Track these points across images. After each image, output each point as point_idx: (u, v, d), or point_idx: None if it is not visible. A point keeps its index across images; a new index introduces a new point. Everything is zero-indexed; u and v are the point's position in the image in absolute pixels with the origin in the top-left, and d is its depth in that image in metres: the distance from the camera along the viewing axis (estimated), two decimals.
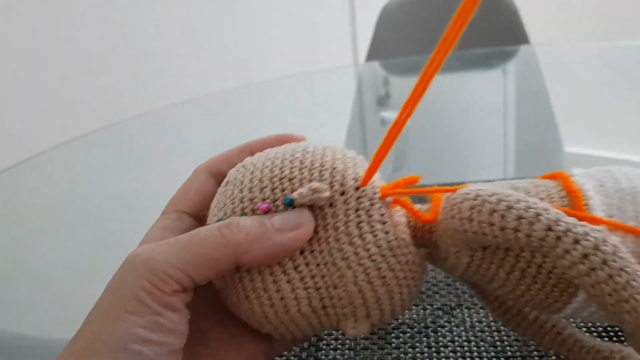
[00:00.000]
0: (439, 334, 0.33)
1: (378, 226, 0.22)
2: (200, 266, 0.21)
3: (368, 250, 0.22)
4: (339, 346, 0.33)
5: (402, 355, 0.31)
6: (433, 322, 0.34)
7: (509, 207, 0.21)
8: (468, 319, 0.34)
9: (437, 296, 0.36)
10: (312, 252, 0.22)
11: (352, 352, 0.32)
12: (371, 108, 0.94)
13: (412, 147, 0.74)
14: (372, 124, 0.86)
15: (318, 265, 0.22)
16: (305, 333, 0.24)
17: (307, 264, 0.22)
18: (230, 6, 1.90)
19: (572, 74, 1.02)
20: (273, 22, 2.05)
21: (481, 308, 0.35)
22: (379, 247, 0.22)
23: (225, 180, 0.25)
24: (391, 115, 0.83)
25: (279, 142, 0.27)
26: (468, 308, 0.35)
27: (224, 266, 0.22)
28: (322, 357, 0.32)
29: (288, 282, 0.22)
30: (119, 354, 0.19)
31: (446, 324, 0.34)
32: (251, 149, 0.28)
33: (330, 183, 0.23)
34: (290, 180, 0.23)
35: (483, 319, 0.34)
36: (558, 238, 0.20)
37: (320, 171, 0.23)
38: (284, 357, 0.32)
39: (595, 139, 0.77)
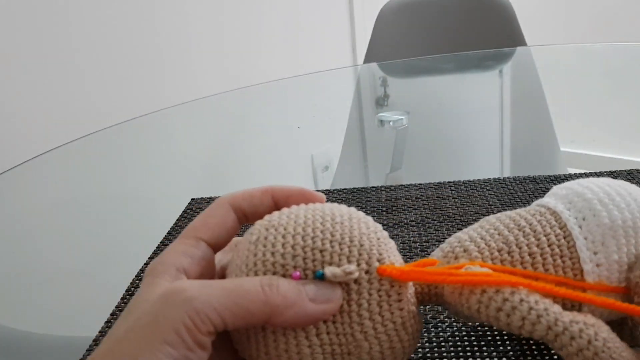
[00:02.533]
0: (440, 329, 0.34)
1: (395, 305, 0.25)
2: (236, 316, 0.23)
3: (385, 326, 0.25)
4: None
5: None
6: (433, 318, 0.35)
7: (514, 308, 0.24)
8: None
9: None
10: (334, 322, 0.25)
11: None
12: (369, 109, 0.95)
13: (409, 147, 0.74)
14: (370, 125, 0.87)
15: (338, 335, 0.24)
16: None
17: (328, 333, 0.24)
18: (229, 8, 1.91)
19: (568, 75, 1.02)
20: (272, 24, 2.05)
21: None
22: (394, 323, 0.25)
23: (254, 236, 0.27)
24: (389, 115, 0.83)
25: (301, 196, 0.29)
26: None
27: (256, 321, 0.24)
28: None
29: (309, 346, 0.24)
30: None
31: (446, 319, 0.34)
32: (273, 193, 0.29)
33: (357, 261, 0.25)
34: (321, 251, 0.25)
35: None
36: (557, 335, 0.24)
37: (349, 247, 0.25)
38: None
39: (590, 139, 0.78)
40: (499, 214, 0.30)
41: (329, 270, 0.24)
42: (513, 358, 0.31)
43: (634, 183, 0.37)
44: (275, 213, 0.27)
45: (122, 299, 0.41)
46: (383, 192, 0.54)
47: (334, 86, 1.13)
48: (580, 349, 0.23)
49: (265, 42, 2.03)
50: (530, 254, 0.27)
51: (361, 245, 0.25)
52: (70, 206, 0.67)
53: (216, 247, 0.28)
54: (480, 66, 1.14)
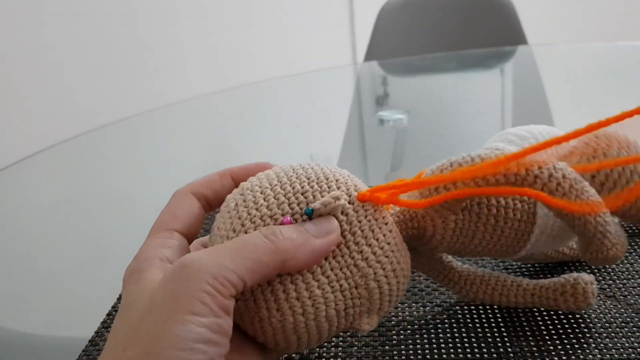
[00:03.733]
0: (439, 330, 0.33)
1: (384, 227, 0.26)
2: (252, 271, 0.22)
3: (382, 248, 0.25)
4: (340, 343, 0.33)
5: (403, 351, 0.32)
6: (433, 319, 0.34)
7: (482, 159, 0.27)
8: (467, 315, 0.34)
9: (436, 293, 0.37)
10: (334, 257, 0.25)
11: (353, 349, 0.32)
12: (369, 108, 0.95)
13: (410, 146, 0.74)
14: (370, 123, 0.87)
15: (342, 268, 0.25)
16: (319, 340, 0.26)
17: (332, 269, 0.25)
18: (228, 5, 1.90)
19: (569, 74, 1.02)
20: (272, 22, 2.05)
21: (480, 305, 0.35)
22: (389, 243, 0.26)
23: (231, 204, 0.27)
24: (389, 114, 0.83)
25: (260, 169, 0.29)
26: (467, 305, 0.35)
27: (271, 271, 0.23)
28: (324, 354, 0.32)
29: (319, 287, 0.24)
30: (186, 355, 0.20)
31: (446, 320, 0.34)
32: (232, 175, 0.29)
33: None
34: (302, 194, 0.26)
35: (482, 316, 0.34)
36: (527, 169, 0.26)
37: (327, 183, 0.26)
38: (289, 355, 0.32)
39: None
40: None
41: (318, 203, 0.25)
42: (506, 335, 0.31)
43: None
44: (243, 182, 0.28)
45: (118, 299, 0.41)
46: None
47: (333, 85, 1.12)
48: (550, 174, 0.26)
49: (265, 40, 2.03)
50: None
51: (337, 180, 0.26)
52: (66, 205, 0.67)
53: (189, 236, 0.27)
54: (481, 65, 1.13)
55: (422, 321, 0.34)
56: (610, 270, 0.37)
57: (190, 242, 0.28)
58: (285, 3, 2.07)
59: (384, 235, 0.26)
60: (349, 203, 0.26)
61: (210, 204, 0.29)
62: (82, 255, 0.54)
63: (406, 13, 1.32)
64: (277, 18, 2.06)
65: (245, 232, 0.25)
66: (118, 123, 0.93)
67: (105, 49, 1.59)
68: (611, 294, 0.35)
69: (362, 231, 0.25)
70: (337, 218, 0.25)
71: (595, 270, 0.37)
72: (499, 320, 0.34)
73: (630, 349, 0.30)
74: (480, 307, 0.35)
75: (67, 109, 1.50)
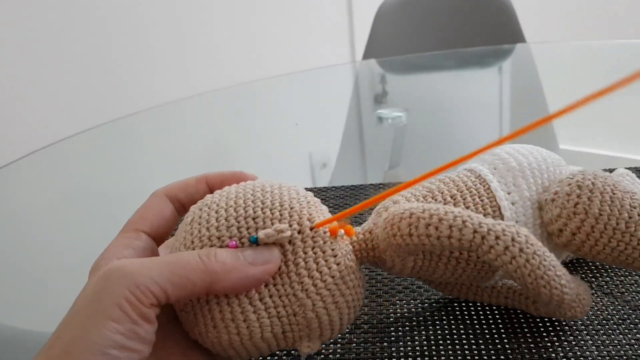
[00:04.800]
0: (437, 327, 0.34)
1: (331, 259, 0.26)
2: (177, 286, 0.23)
3: (324, 281, 0.25)
4: (339, 340, 0.33)
5: (401, 348, 0.32)
6: (431, 316, 0.35)
7: (440, 219, 0.26)
8: (465, 312, 0.35)
9: (433, 291, 0.37)
10: (275, 285, 0.25)
11: (352, 346, 0.33)
12: (368, 105, 0.95)
13: (408, 144, 0.74)
14: (368, 121, 0.87)
15: (280, 297, 0.25)
16: (261, 354, 0.27)
17: (271, 296, 0.25)
18: (228, 5, 1.90)
19: (567, 72, 1.02)
20: (270, 20, 2.05)
21: (478, 302, 0.35)
22: (333, 277, 0.26)
23: (189, 218, 0.27)
24: (388, 112, 0.83)
25: (235, 178, 0.30)
26: (464, 302, 0.35)
27: (198, 290, 0.24)
28: (323, 350, 0.32)
29: (254, 312, 0.25)
30: (99, 358, 0.21)
31: (444, 317, 0.34)
32: (207, 180, 0.30)
33: (289, 222, 0.26)
34: (254, 219, 0.26)
35: (480, 312, 0.34)
36: (483, 237, 0.25)
37: (280, 210, 0.26)
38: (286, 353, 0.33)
39: (589, 137, 0.78)
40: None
41: (262, 233, 0.25)
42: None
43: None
44: (208, 195, 0.28)
45: None
46: (381, 190, 0.54)
47: (332, 83, 1.12)
48: (506, 247, 0.25)
49: (264, 38, 2.03)
50: (451, 196, 0.30)
51: (291, 208, 0.26)
52: (64, 204, 0.67)
53: (157, 237, 0.28)
54: (479, 63, 1.13)
55: (420, 318, 0.34)
56: (607, 267, 0.38)
57: (159, 243, 0.29)
58: (284, 2, 2.07)
59: (329, 269, 0.26)
60: (298, 233, 0.26)
61: (184, 206, 0.30)
62: (83, 252, 0.55)
63: (405, 11, 1.32)
64: (276, 17, 2.06)
65: (193, 249, 0.26)
66: (116, 121, 0.93)
67: (104, 47, 1.59)
68: (608, 290, 0.35)
69: (305, 262, 0.25)
70: (283, 246, 0.26)
71: (593, 267, 0.38)
72: (497, 316, 0.34)
73: (627, 346, 0.31)
74: (478, 304, 0.35)
75: (65, 108, 1.50)
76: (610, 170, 0.52)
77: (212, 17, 1.87)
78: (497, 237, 0.25)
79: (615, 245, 0.29)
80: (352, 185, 0.55)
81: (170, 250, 0.28)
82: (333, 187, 0.55)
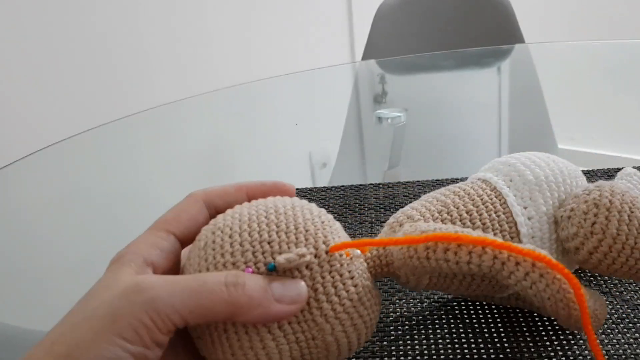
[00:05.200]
0: (437, 326, 0.34)
1: (349, 282, 0.26)
2: (198, 315, 0.23)
3: (343, 305, 0.25)
4: None
5: (401, 347, 0.32)
6: (431, 315, 0.35)
7: (460, 245, 0.25)
8: (465, 311, 0.35)
9: (433, 290, 0.37)
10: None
11: None
12: (367, 106, 0.95)
13: (407, 144, 0.74)
14: (368, 122, 0.87)
15: (299, 322, 0.25)
16: None
17: (289, 323, 0.25)
18: (227, 5, 1.90)
19: (566, 72, 1.02)
20: (270, 20, 2.05)
21: (477, 302, 0.35)
22: (351, 300, 0.25)
23: (201, 242, 0.27)
24: (387, 112, 0.83)
25: (276, 189, 0.29)
26: (464, 302, 0.36)
27: (218, 319, 0.24)
28: None
29: (273, 339, 0.24)
30: None
31: (444, 316, 0.34)
32: (247, 190, 0.29)
33: (305, 246, 0.25)
34: (269, 243, 0.25)
35: (480, 312, 0.34)
36: (503, 263, 0.25)
37: (295, 234, 0.26)
38: None
39: (588, 137, 0.78)
40: (436, 189, 0.32)
41: (282, 258, 0.24)
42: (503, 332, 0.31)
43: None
44: (220, 216, 0.27)
45: None
46: (381, 189, 0.54)
47: (332, 83, 1.12)
48: (526, 273, 0.25)
49: (263, 38, 2.03)
50: (467, 212, 0.30)
51: (306, 231, 0.26)
52: (65, 204, 0.67)
53: (185, 241, 0.28)
54: (478, 63, 1.13)
55: (420, 317, 0.35)
56: None
57: (184, 246, 0.28)
58: (283, 2, 2.07)
59: (347, 292, 0.25)
60: (315, 257, 0.25)
61: (220, 213, 0.28)
62: (84, 252, 0.55)
63: (404, 11, 1.32)
64: (275, 17, 2.06)
65: None
66: (116, 122, 0.93)
67: (102, 48, 1.58)
68: (607, 289, 0.35)
69: (324, 288, 0.25)
70: (300, 272, 0.25)
71: None
72: (496, 316, 0.34)
73: (626, 345, 0.31)
74: (478, 303, 0.35)
75: (65, 108, 1.50)
76: (618, 169, 0.52)
77: (211, 17, 1.87)
78: (517, 263, 0.25)
79: (634, 263, 0.28)
80: (352, 185, 0.55)
81: (183, 266, 0.27)
82: (333, 186, 0.56)
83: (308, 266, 0.25)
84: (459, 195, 0.30)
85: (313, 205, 0.28)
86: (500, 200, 0.30)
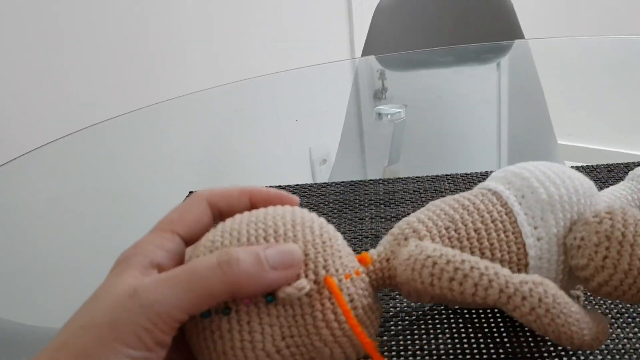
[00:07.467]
0: (437, 321, 0.34)
1: (349, 305, 0.25)
2: (199, 304, 0.23)
3: (343, 329, 0.25)
4: None
5: (401, 342, 0.32)
6: (431, 310, 0.35)
7: (465, 276, 0.25)
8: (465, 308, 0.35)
9: None
10: (292, 336, 0.25)
11: None
12: (367, 102, 0.95)
13: (407, 140, 0.74)
14: (368, 118, 0.87)
15: (298, 346, 0.25)
16: None
17: (288, 347, 0.24)
18: (227, 2, 1.90)
19: (566, 68, 1.02)
20: (270, 17, 2.04)
21: None
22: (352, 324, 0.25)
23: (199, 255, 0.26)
24: (387, 108, 0.83)
25: (279, 199, 0.29)
26: None
27: (220, 300, 0.24)
28: None
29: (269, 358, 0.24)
30: None
31: (443, 311, 0.35)
32: (251, 195, 0.29)
33: (305, 272, 0.25)
34: None
35: (479, 309, 0.35)
36: (509, 298, 0.24)
37: None
38: None
39: (587, 132, 0.78)
40: (444, 198, 0.31)
41: (282, 292, 0.24)
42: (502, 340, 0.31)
43: None
44: (218, 231, 0.27)
45: None
46: (381, 185, 0.54)
47: (331, 79, 1.12)
48: (532, 308, 0.24)
49: (263, 35, 2.03)
50: (475, 230, 0.29)
51: (306, 255, 0.25)
52: (66, 201, 0.67)
53: (189, 242, 0.28)
54: (478, 59, 1.13)
55: (420, 312, 0.35)
56: None
57: (188, 246, 0.28)
58: None
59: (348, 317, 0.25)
60: (314, 283, 0.25)
61: (222, 216, 0.29)
62: (84, 250, 0.55)
63: (404, 8, 1.32)
64: (275, 13, 2.06)
65: None
66: (116, 119, 0.93)
67: (102, 46, 1.58)
68: None
69: (323, 315, 0.25)
70: (299, 300, 0.25)
71: None
72: (496, 311, 0.34)
73: (625, 340, 0.31)
74: None
75: (65, 105, 1.50)
76: (617, 165, 0.52)
77: (212, 15, 1.87)
78: (523, 298, 0.24)
79: None
80: (352, 181, 0.55)
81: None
82: (333, 182, 0.56)
83: (307, 293, 0.25)
84: (468, 210, 0.29)
85: (314, 219, 0.27)
86: (510, 218, 0.29)
